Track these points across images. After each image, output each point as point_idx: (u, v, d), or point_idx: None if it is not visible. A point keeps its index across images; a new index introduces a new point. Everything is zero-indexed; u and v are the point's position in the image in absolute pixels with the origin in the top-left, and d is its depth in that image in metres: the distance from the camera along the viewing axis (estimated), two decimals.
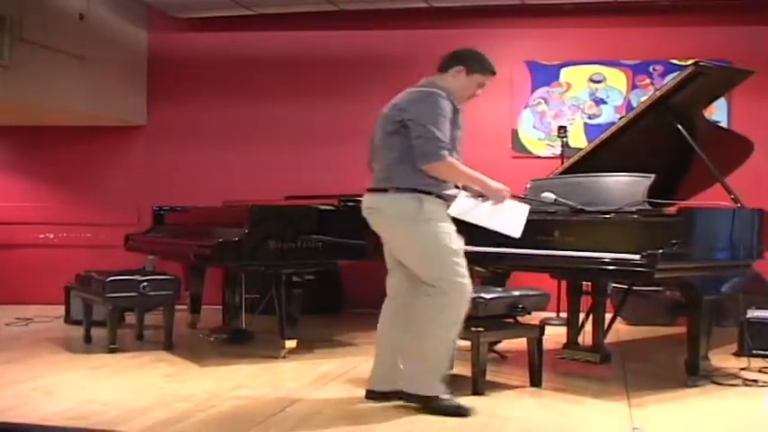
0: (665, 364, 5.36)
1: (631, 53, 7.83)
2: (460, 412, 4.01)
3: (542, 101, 7.97)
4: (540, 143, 7.95)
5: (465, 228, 4.16)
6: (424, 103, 4.04)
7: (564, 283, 5.71)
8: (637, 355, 5.79)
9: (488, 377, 4.48)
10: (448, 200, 4.09)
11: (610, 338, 5.56)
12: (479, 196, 4.16)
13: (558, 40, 7.97)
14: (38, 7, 6.89)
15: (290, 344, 5.50)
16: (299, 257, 5.46)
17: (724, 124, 7.30)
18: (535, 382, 4.68)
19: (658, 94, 5.14)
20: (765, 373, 4.99)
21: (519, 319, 4.74)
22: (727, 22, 7.65)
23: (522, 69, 7.97)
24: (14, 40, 6.57)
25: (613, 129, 5.39)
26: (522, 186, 5.37)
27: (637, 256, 4.32)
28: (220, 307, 6.67)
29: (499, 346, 5.42)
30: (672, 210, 4.76)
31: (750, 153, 5.55)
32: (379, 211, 4.13)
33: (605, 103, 7.90)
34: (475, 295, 4.26)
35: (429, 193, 4.03)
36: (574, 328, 5.35)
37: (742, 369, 5.02)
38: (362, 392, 4.35)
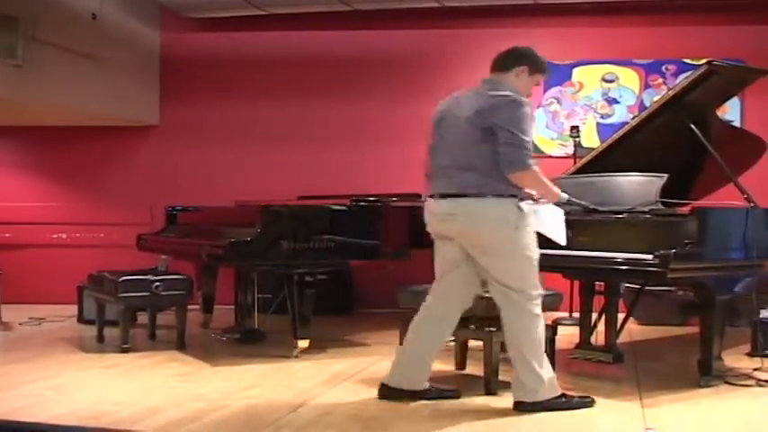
0: (677, 365, 5.34)
1: (644, 52, 7.81)
2: (586, 404, 4.17)
3: (555, 100, 7.95)
4: (553, 143, 7.94)
5: None
6: (511, 109, 4.00)
7: (576, 283, 5.69)
8: (649, 355, 5.77)
9: (501, 377, 4.47)
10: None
11: (622, 338, 5.54)
12: (533, 201, 4.18)
13: (571, 40, 7.94)
14: (51, 7, 6.92)
15: (303, 344, 5.50)
16: (311, 257, 5.45)
17: (737, 124, 7.27)
18: None
19: (671, 93, 5.11)
20: None
21: None
22: (740, 22, 7.62)
23: None
24: (28, 40, 6.60)
25: (626, 128, 5.37)
26: None
27: (650, 256, 4.31)
28: (233, 307, 6.68)
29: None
30: (685, 210, 4.73)
31: (763, 152, 5.53)
32: (473, 215, 4.02)
33: (618, 102, 7.88)
34: (488, 295, 4.27)
35: (522, 199, 4.03)
36: (586, 328, 5.34)
37: (755, 369, 4.98)
38: (375, 392, 4.35)
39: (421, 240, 5.94)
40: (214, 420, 3.94)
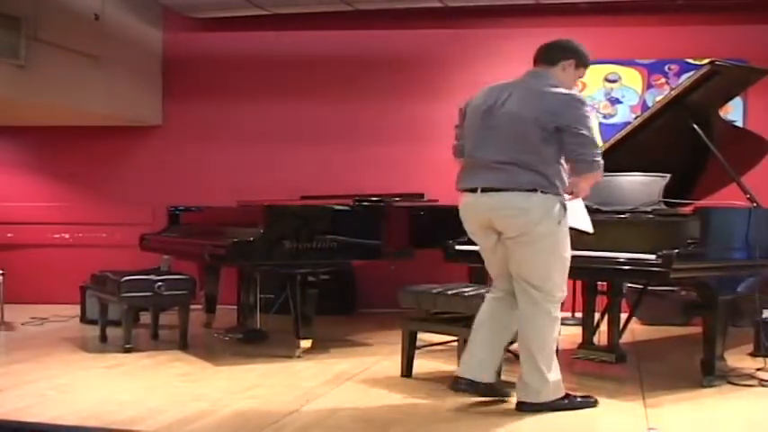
0: (680, 365, 5.34)
1: (646, 52, 7.80)
2: (589, 404, 4.18)
3: None
4: None
5: None
6: (577, 108, 3.97)
7: (579, 283, 5.69)
8: (652, 355, 5.77)
9: (503, 377, 4.46)
10: None
11: (625, 338, 5.53)
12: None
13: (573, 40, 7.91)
14: (53, 7, 6.92)
15: (305, 343, 5.50)
16: (313, 257, 5.45)
17: (740, 123, 7.26)
18: None
19: (674, 93, 5.11)
20: None
21: None
22: (743, 21, 7.61)
23: None
24: (30, 40, 6.60)
25: (629, 128, 5.37)
26: None
27: (652, 256, 4.31)
28: (235, 307, 6.68)
29: (513, 346, 5.39)
30: (687, 209, 4.73)
31: (766, 152, 5.53)
32: (522, 209, 3.95)
33: (620, 102, 7.87)
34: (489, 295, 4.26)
35: (560, 195, 4.03)
36: (589, 327, 5.33)
37: (758, 369, 4.97)
38: (377, 392, 4.35)
39: (423, 240, 5.97)
40: (216, 420, 3.94)
